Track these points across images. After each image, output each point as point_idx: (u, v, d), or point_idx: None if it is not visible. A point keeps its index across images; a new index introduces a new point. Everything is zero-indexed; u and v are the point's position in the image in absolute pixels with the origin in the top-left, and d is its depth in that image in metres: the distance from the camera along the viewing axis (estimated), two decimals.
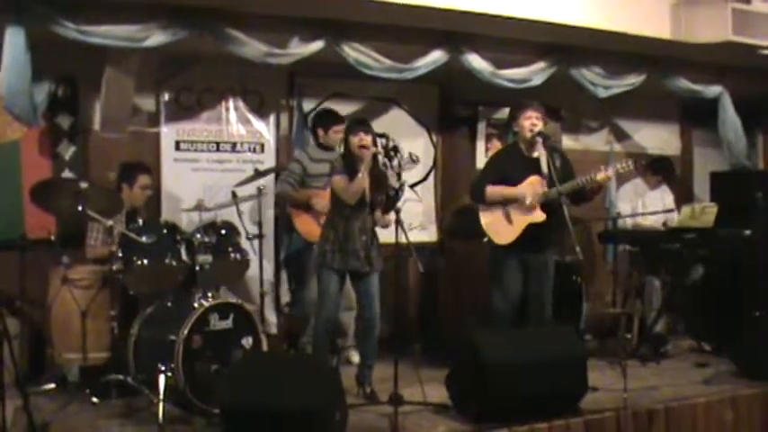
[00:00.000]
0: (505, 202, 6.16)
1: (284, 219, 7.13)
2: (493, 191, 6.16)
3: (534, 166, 6.08)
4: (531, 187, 6.10)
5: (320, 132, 6.78)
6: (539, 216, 6.08)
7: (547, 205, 6.07)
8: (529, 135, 6.13)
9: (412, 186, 7.69)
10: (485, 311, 6.46)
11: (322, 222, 6.05)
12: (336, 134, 6.64)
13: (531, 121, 6.12)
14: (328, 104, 7.48)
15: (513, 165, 6.23)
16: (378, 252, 5.87)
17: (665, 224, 7.74)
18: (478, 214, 6.25)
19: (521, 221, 6.11)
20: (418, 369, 5.80)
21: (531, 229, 6.07)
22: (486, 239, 6.22)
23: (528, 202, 6.05)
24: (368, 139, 5.80)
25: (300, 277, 6.89)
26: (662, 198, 7.94)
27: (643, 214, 7.69)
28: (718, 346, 7.26)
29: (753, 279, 7.25)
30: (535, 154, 6.11)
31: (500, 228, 6.15)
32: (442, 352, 6.90)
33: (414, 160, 7.26)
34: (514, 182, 6.14)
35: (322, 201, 6.34)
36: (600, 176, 5.99)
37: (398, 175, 6.04)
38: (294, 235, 6.87)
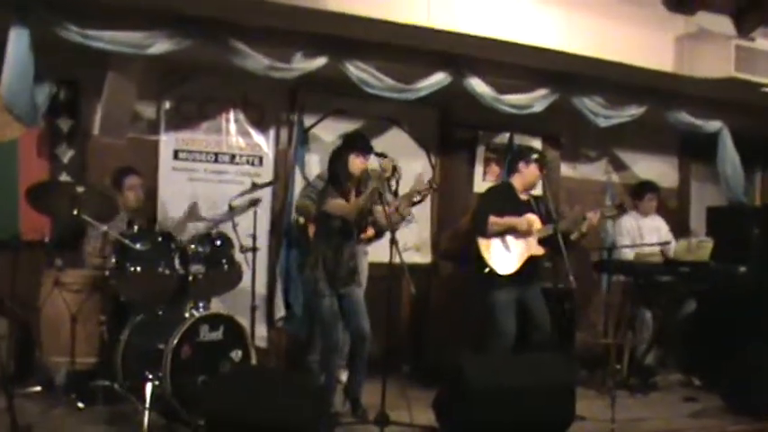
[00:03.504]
0: (504, 233, 6.30)
1: (297, 231, 7.14)
2: (495, 221, 6.31)
3: (527, 207, 6.43)
4: (530, 220, 6.33)
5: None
6: (538, 249, 6.34)
7: (544, 241, 6.31)
8: (534, 183, 6.50)
9: None
10: (477, 343, 6.55)
11: None
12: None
13: (540, 174, 6.45)
14: (329, 121, 7.51)
15: (509, 203, 6.45)
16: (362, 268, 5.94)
17: (662, 253, 7.64)
18: (478, 244, 6.35)
19: (521, 252, 6.29)
20: (406, 390, 5.78)
21: (531, 261, 6.29)
22: (486, 270, 6.29)
23: (535, 228, 6.28)
24: (368, 163, 5.84)
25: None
26: (657, 229, 7.91)
27: (641, 245, 7.62)
28: (708, 381, 7.24)
29: (745, 315, 7.23)
30: (525, 197, 6.49)
31: (500, 256, 6.31)
32: (431, 374, 6.87)
33: (432, 186, 7.14)
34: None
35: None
36: (592, 219, 6.35)
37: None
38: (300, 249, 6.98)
